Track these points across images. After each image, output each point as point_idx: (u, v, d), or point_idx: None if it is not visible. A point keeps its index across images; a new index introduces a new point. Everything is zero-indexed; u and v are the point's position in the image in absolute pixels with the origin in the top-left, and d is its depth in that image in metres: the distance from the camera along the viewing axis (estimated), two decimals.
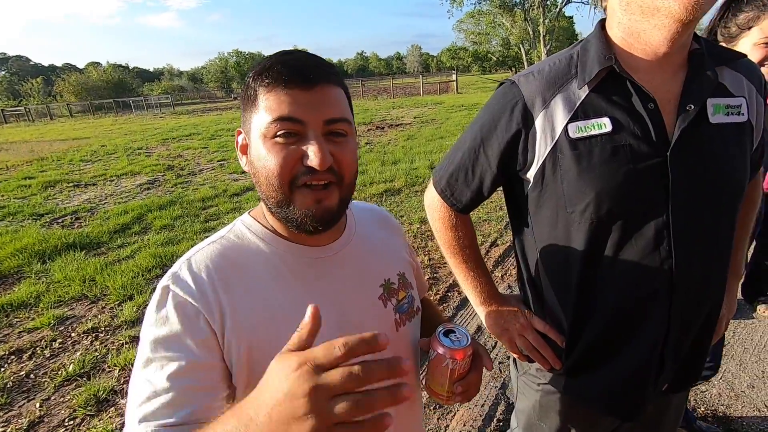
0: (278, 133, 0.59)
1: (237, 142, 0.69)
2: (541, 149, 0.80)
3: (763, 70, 1.14)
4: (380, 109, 17.26)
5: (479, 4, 32.57)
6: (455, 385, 0.72)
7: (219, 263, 0.65)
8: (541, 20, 30.45)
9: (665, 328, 0.82)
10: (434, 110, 15.18)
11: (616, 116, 0.76)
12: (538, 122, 0.79)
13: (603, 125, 0.75)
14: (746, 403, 2.02)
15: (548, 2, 30.56)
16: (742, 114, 0.79)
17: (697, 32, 0.79)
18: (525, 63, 34.32)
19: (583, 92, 0.78)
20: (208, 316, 0.60)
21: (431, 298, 3.06)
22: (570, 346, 0.90)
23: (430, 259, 3.71)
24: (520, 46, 33.44)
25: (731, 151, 0.78)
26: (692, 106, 0.74)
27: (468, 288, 1.03)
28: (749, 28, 1.15)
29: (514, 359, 1.08)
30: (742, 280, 2.41)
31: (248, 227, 0.70)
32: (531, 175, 0.83)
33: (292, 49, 0.64)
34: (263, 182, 0.62)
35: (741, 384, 2.13)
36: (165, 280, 0.63)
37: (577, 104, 0.77)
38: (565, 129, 0.77)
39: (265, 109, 0.60)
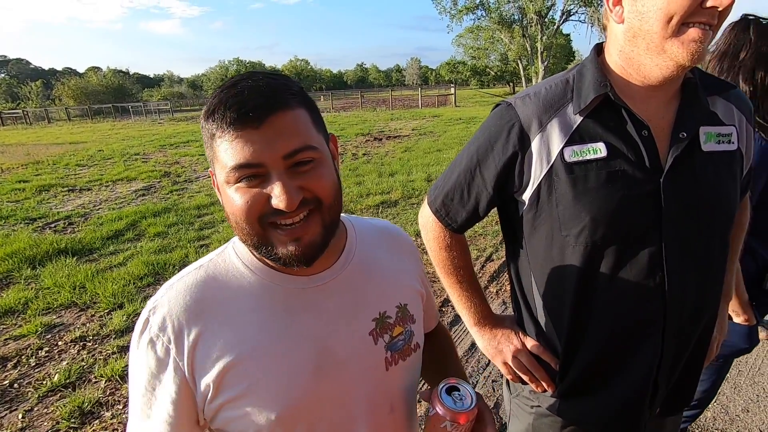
0: (238, 180, 0.56)
1: (213, 182, 0.64)
2: (537, 172, 0.80)
3: None
4: (378, 120, 17.36)
5: (479, 20, 33.06)
6: None
7: (198, 295, 0.62)
8: (539, 37, 30.93)
9: (659, 353, 0.82)
10: (432, 123, 15.28)
11: (611, 142, 0.77)
12: (535, 145, 0.80)
13: (598, 150, 0.77)
14: (741, 427, 2.00)
15: (546, 20, 31.08)
16: (733, 142, 0.81)
17: None
18: (522, 78, 34.75)
19: (579, 117, 0.79)
20: (177, 354, 0.59)
21: None
22: (564, 369, 0.90)
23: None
24: (518, 61, 33.88)
25: (722, 178, 0.80)
26: (685, 134, 0.76)
27: (462, 308, 1.02)
28: None
29: (507, 381, 1.07)
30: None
31: (237, 253, 0.67)
32: (526, 197, 0.83)
33: (242, 75, 0.58)
34: (235, 226, 0.60)
35: (736, 407, 2.11)
36: (146, 310, 0.62)
37: (573, 129, 0.78)
38: (561, 153, 0.78)
39: (221, 157, 0.56)
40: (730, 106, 0.83)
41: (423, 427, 0.70)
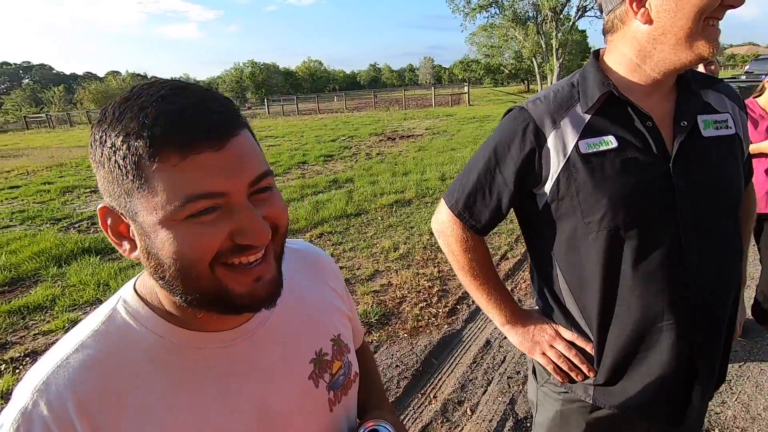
0: (190, 215, 0.44)
1: (105, 224, 0.49)
2: (555, 165, 0.86)
3: None
4: (392, 120, 17.38)
5: (492, 17, 32.81)
6: None
7: (93, 385, 0.47)
8: (554, 34, 30.54)
9: (687, 332, 0.85)
10: (446, 122, 15.24)
11: (620, 134, 0.84)
12: (550, 141, 0.86)
13: (609, 142, 0.83)
14: (763, 426, 1.97)
15: (561, 16, 30.66)
16: (730, 127, 0.88)
17: None
18: (537, 76, 34.33)
19: (587, 115, 0.86)
20: None
21: (440, 311, 3.06)
22: (598, 355, 0.92)
23: (439, 271, 3.71)
24: (533, 59, 33.50)
25: (726, 160, 0.87)
26: (685, 123, 0.84)
27: (491, 309, 1.04)
28: None
29: (534, 370, 1.08)
30: (751, 302, 2.40)
31: (133, 315, 0.52)
32: (547, 189, 0.88)
33: (164, 83, 0.46)
34: (173, 274, 0.46)
35: (757, 406, 2.08)
36: (10, 424, 0.44)
37: (584, 124, 0.85)
38: (576, 146, 0.84)
39: (165, 189, 0.43)
40: (721, 96, 0.91)
41: None
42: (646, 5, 0.79)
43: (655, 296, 0.84)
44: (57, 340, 2.83)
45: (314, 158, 9.55)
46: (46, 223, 5.86)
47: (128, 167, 0.43)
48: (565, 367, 0.96)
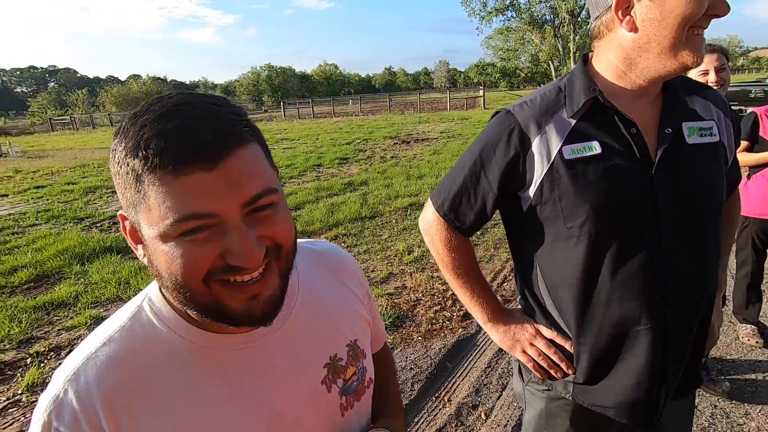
0: (182, 233, 0.45)
1: (124, 228, 0.52)
2: (539, 170, 0.87)
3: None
4: (407, 123, 17.40)
5: (508, 21, 32.67)
6: None
7: (117, 378, 0.50)
8: (571, 37, 30.24)
9: (663, 335, 0.87)
10: (461, 125, 15.19)
11: (604, 140, 0.84)
12: (535, 145, 0.87)
13: (593, 148, 0.84)
14: None
15: (579, 19, 30.32)
16: (714, 135, 0.89)
17: None
18: (554, 79, 33.99)
19: (573, 120, 0.86)
20: None
21: (455, 314, 3.05)
22: (576, 355, 0.95)
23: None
24: (550, 62, 33.21)
25: (709, 167, 0.87)
26: (670, 130, 0.84)
27: (473, 307, 1.06)
28: None
29: (519, 370, 1.11)
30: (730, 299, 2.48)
31: (157, 313, 0.55)
32: (530, 193, 0.89)
33: (173, 98, 0.47)
34: (170, 287, 0.48)
35: None
36: (44, 413, 0.48)
37: (569, 130, 0.86)
38: (560, 151, 0.85)
39: (158, 206, 0.44)
40: (707, 103, 0.92)
41: None
42: (632, 13, 0.79)
43: (632, 301, 0.85)
44: (80, 336, 2.91)
45: (329, 161, 9.62)
46: (70, 222, 6.03)
47: (130, 182, 0.45)
48: (544, 365, 0.98)
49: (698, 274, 0.87)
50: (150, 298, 0.56)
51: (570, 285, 0.89)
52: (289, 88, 72.73)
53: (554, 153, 0.85)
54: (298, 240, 0.63)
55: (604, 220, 0.83)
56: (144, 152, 0.43)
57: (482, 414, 2.17)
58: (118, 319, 0.55)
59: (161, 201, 0.44)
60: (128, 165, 0.45)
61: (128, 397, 0.50)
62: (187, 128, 0.44)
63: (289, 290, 0.58)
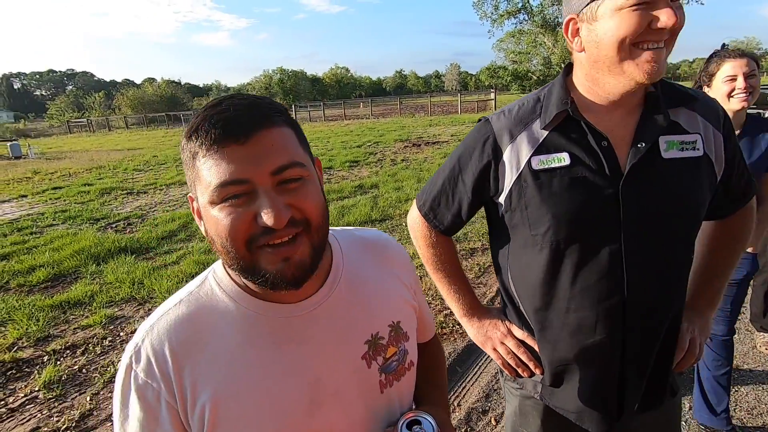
0: (224, 199, 0.54)
1: (192, 208, 0.62)
2: (509, 179, 0.90)
3: (732, 100, 1.62)
4: (417, 126, 17.41)
5: (520, 23, 32.53)
6: None
7: (182, 333, 0.60)
8: None
9: (621, 347, 0.89)
10: (471, 128, 15.10)
11: (574, 152, 0.85)
12: (506, 155, 0.90)
13: (562, 159, 0.86)
14: None
15: None
16: (698, 149, 0.86)
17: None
18: None
19: (545, 132, 0.88)
20: (169, 398, 0.58)
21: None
22: (541, 358, 0.98)
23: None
24: (562, 65, 32.96)
25: (686, 183, 0.85)
26: (643, 144, 0.83)
27: (450, 301, 1.11)
28: (717, 71, 1.67)
29: (500, 368, 1.13)
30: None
31: (219, 283, 0.64)
32: (502, 200, 0.93)
33: (226, 95, 0.58)
34: (220, 250, 0.57)
35: None
36: (128, 355, 0.60)
37: (540, 141, 0.88)
38: (529, 161, 0.88)
39: (205, 176, 0.54)
40: (694, 115, 0.88)
41: None
42: (580, 35, 0.83)
43: (589, 310, 0.87)
44: (95, 335, 2.95)
45: (340, 164, 9.67)
46: (86, 222, 6.15)
47: (189, 162, 0.57)
48: (512, 363, 1.02)
49: (660, 289, 0.87)
50: (215, 270, 0.66)
51: (534, 290, 0.92)
52: (300, 91, 73.28)
53: (523, 162, 0.88)
54: (347, 227, 0.79)
55: (566, 230, 0.85)
56: (196, 135, 0.54)
57: (492, 419, 2.16)
58: (189, 286, 0.66)
59: (208, 171, 0.54)
60: (187, 148, 0.56)
61: (190, 348, 0.59)
62: (228, 113, 0.54)
63: (334, 269, 0.68)
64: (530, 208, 0.88)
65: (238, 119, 0.54)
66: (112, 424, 2.25)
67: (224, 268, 0.65)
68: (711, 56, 1.71)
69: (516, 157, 0.89)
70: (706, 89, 1.69)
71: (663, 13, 0.73)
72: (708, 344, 1.88)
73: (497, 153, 0.91)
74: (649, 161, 0.83)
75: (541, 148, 0.87)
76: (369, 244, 0.78)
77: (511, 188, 0.90)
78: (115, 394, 0.60)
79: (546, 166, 0.86)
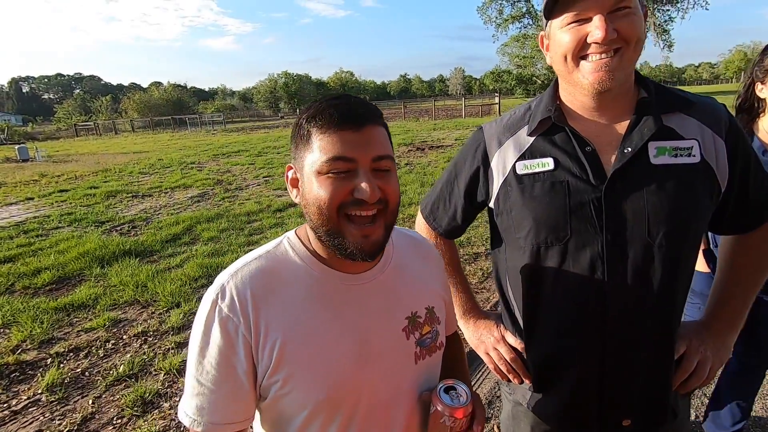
0: (331, 171, 0.66)
1: (287, 177, 0.75)
2: (496, 183, 0.94)
3: None
4: (421, 130, 17.42)
5: (525, 28, 32.48)
6: None
7: (261, 280, 0.71)
8: None
9: (600, 356, 0.87)
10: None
11: (558, 157, 0.87)
12: (494, 161, 0.95)
13: (547, 164, 0.88)
14: None
15: None
16: (694, 155, 0.83)
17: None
18: None
19: (531, 138, 0.91)
20: (246, 332, 0.68)
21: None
22: (528, 364, 1.00)
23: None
24: None
25: (676, 190, 0.82)
26: (630, 149, 0.82)
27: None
28: None
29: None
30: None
31: (292, 246, 0.76)
32: (492, 204, 0.97)
33: (339, 93, 0.71)
34: (314, 212, 0.68)
35: None
36: (213, 292, 0.70)
37: (526, 147, 0.91)
38: (514, 167, 0.91)
39: (320, 149, 0.66)
40: (691, 120, 0.85)
41: (427, 425, 0.78)
42: (549, 49, 0.88)
43: (569, 314, 0.88)
44: (98, 338, 2.96)
45: None
46: (91, 225, 6.19)
47: (304, 138, 0.69)
48: (503, 369, 1.03)
49: (643, 297, 0.83)
50: (288, 237, 0.78)
51: (521, 293, 0.95)
52: (305, 95, 73.43)
53: (509, 168, 0.91)
54: (399, 227, 0.88)
55: (545, 233, 0.86)
56: (319, 116, 0.67)
57: (495, 427, 2.14)
58: (267, 246, 0.77)
59: (323, 147, 0.66)
60: (305, 127, 0.68)
61: (267, 294, 0.70)
62: (348, 105, 0.68)
63: (386, 254, 0.81)
64: (514, 211, 0.90)
65: (356, 111, 0.67)
66: (113, 428, 2.26)
67: (297, 236, 0.77)
68: (766, 49, 1.56)
69: (503, 163, 0.93)
70: (759, 86, 1.54)
71: (593, 27, 0.77)
72: (733, 367, 1.74)
73: (486, 160, 0.95)
74: (635, 167, 0.82)
75: (526, 154, 0.90)
76: (414, 241, 0.91)
77: (498, 192, 0.93)
78: (197, 323, 0.70)
79: (530, 171, 0.89)
